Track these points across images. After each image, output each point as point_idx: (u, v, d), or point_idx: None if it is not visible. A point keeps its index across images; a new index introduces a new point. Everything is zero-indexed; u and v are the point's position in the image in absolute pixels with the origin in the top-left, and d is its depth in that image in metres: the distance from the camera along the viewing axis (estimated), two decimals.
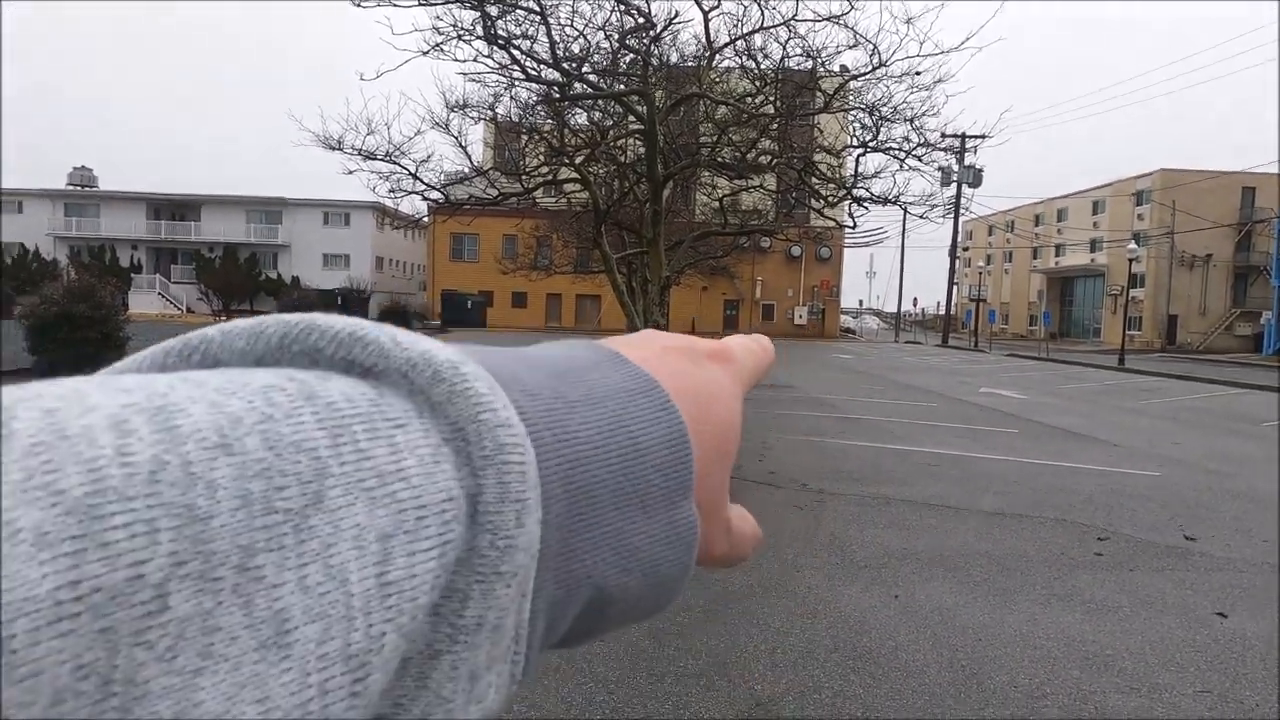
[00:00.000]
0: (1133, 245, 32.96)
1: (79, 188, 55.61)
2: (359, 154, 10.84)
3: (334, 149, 10.64)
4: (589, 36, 10.03)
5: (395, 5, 8.73)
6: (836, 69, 10.04)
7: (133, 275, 50.30)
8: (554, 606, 0.25)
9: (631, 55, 9.96)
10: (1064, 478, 8.70)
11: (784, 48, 9.47)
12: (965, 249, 68.38)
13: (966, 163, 41.17)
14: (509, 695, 0.24)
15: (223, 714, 0.16)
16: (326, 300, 30.49)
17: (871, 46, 8.21)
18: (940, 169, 13.40)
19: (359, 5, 8.78)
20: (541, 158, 13.15)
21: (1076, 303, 59.56)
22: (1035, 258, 64.03)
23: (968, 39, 7.90)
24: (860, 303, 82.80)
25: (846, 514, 6.83)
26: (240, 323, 0.22)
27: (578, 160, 11.77)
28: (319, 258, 54.54)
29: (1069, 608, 4.73)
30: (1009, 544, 6.05)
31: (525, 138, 13.01)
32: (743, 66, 9.98)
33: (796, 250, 51.75)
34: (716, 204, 15.77)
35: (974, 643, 4.15)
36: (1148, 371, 27.27)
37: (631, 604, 0.28)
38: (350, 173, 11.42)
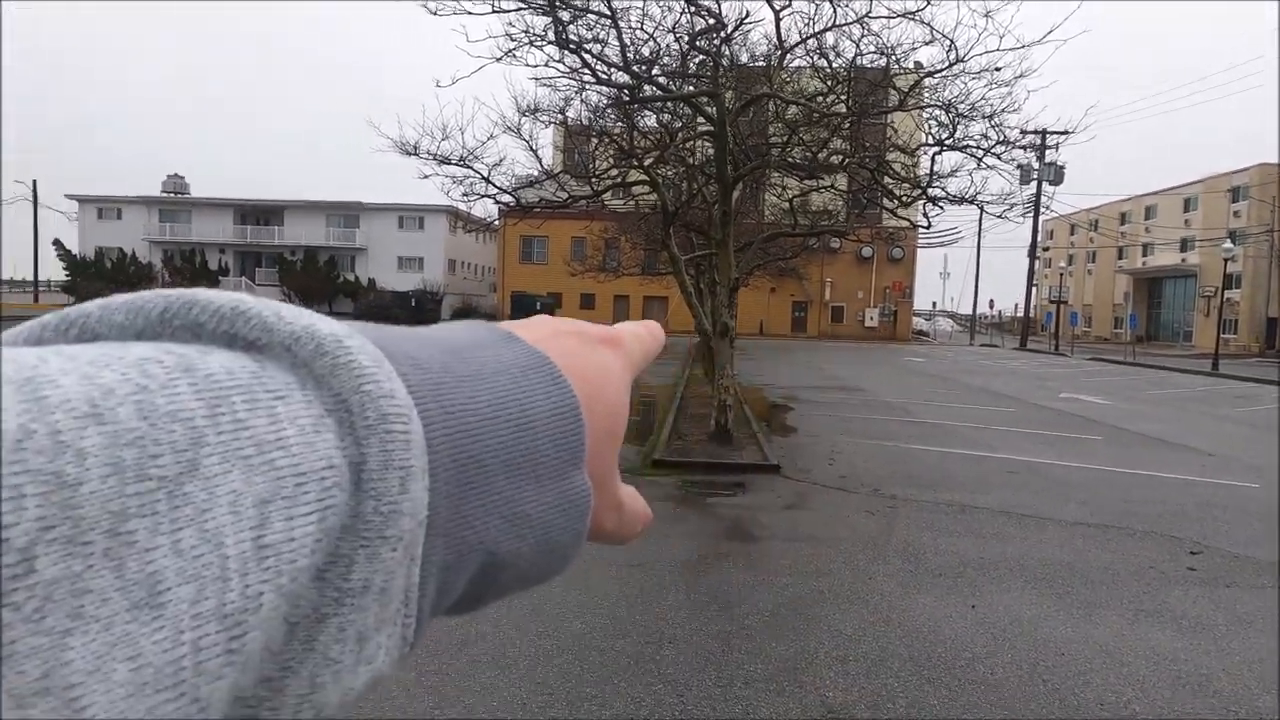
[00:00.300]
0: (1228, 244, 31.21)
1: (173, 195, 58.45)
2: (434, 159, 11.09)
3: (410, 154, 10.91)
4: (659, 39, 10.05)
5: (470, 13, 8.92)
6: (911, 66, 9.82)
7: (220, 277, 52.59)
8: (445, 571, 0.25)
9: (701, 56, 9.93)
10: (1153, 488, 8.32)
11: (857, 45, 9.30)
12: (1045, 249, 66.03)
13: (1048, 160, 39.80)
14: (400, 657, 0.24)
15: (93, 671, 0.16)
16: (401, 301, 31.30)
17: (949, 42, 7.99)
18: (1019, 166, 12.96)
19: (435, 13, 9.00)
20: (611, 160, 13.23)
21: (1165, 305, 56.87)
22: (1121, 258, 61.35)
23: (1050, 32, 7.63)
24: (934, 305, 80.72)
25: (919, 520, 6.67)
26: (119, 297, 0.23)
27: (646, 162, 11.80)
28: (394, 260, 56.05)
29: (1159, 624, 4.52)
30: (1093, 556, 5.82)
31: (595, 141, 13.10)
32: (814, 65, 9.84)
33: (867, 251, 50.80)
34: (786, 205, 15.60)
35: (1056, 657, 4.00)
36: (1244, 377, 25.84)
37: (524, 570, 0.29)
38: (425, 177, 11.69)
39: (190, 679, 0.18)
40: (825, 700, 3.49)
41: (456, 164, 11.34)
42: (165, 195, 58.33)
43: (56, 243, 55.24)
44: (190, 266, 50.82)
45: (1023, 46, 7.85)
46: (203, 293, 0.23)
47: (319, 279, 50.57)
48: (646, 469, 8.36)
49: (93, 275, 49.76)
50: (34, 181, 54.34)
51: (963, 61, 8.16)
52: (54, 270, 57.00)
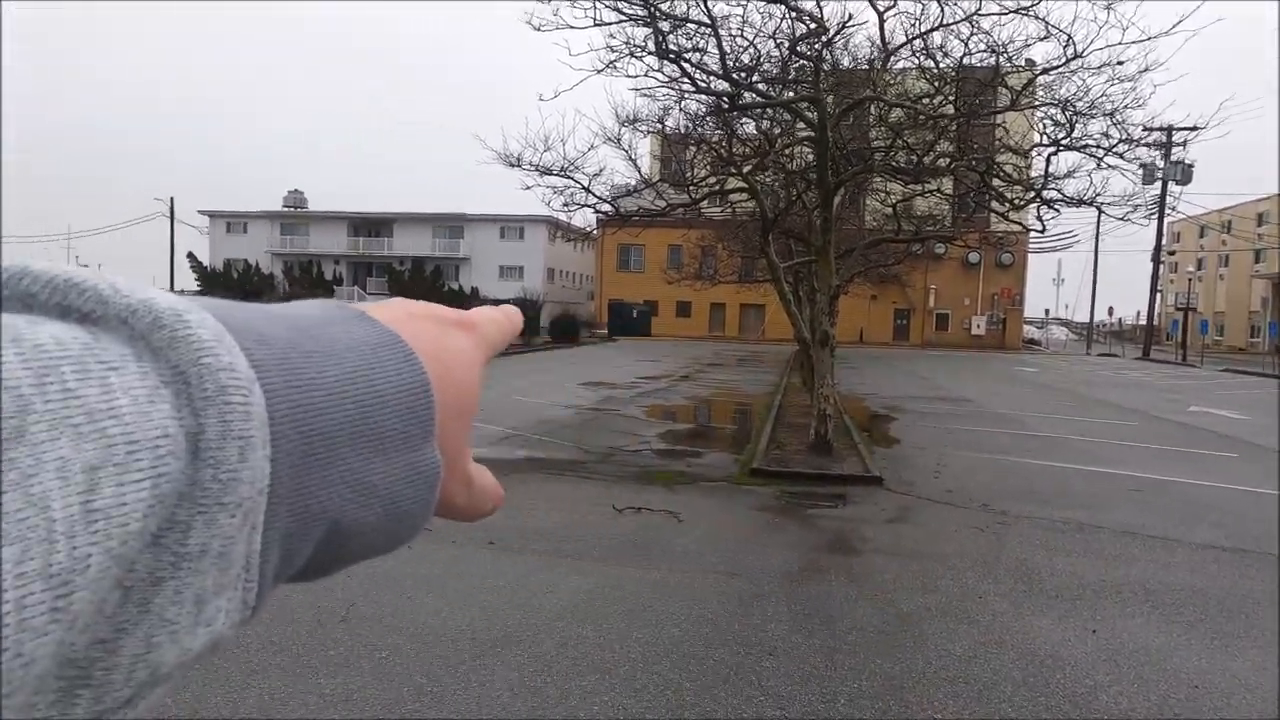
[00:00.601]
0: None
1: (292, 209, 62.00)
2: (536, 169, 11.36)
3: (514, 166, 11.21)
4: (759, 45, 10.00)
5: (572, 27, 9.10)
6: (1023, 63, 9.41)
7: (335, 287, 55.30)
8: (289, 539, 0.26)
9: (802, 61, 9.81)
10: None
11: (966, 44, 8.99)
12: (1171, 252, 61.86)
13: (1175, 158, 37.39)
14: (242, 621, 0.25)
15: None
16: None
17: (1066, 37, 7.62)
18: (1143, 166, 12.21)
19: (538, 29, 9.23)
20: (708, 168, 13.23)
21: None
22: (1258, 261, 56.91)
23: (1180, 21, 7.16)
24: (1046, 312, 76.73)
25: (1033, 538, 6.36)
26: None
27: (745, 169, 11.74)
28: (496, 269, 57.66)
29: None
30: (1229, 582, 5.41)
31: (693, 149, 13.13)
32: (920, 66, 9.56)
33: (974, 257, 48.93)
34: (888, 210, 15.20)
35: (1188, 690, 3.74)
36: None
37: (371, 538, 0.30)
38: (528, 188, 11.99)
39: (14, 635, 0.18)
40: None
41: (558, 174, 11.59)
42: (286, 210, 61.92)
43: (190, 255, 59.38)
44: (308, 276, 53.68)
45: (1148, 39, 7.41)
46: (35, 264, 0.23)
47: (426, 288, 52.43)
48: (744, 478, 8.29)
49: (221, 285, 53.19)
50: (170, 199, 58.65)
51: (1081, 57, 7.76)
52: (187, 281, 61.31)
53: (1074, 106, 8.67)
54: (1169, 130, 35.77)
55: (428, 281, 53.95)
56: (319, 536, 0.28)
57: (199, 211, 62.25)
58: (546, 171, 11.58)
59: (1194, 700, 3.64)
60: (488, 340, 0.38)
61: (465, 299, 47.90)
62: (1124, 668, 3.97)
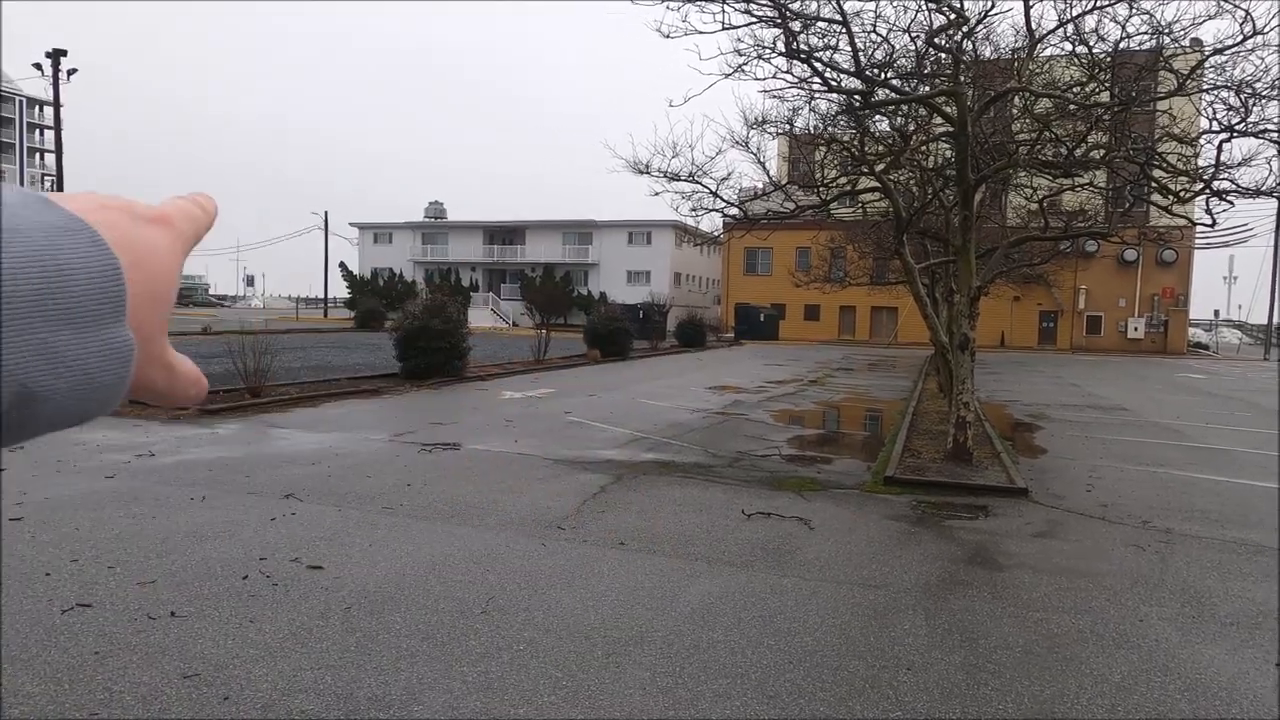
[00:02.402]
0: None
1: (433, 220, 65.28)
2: (664, 176, 11.47)
3: (643, 173, 11.36)
4: (893, 40, 9.69)
5: (700, 32, 9.14)
6: (1188, 44, 8.68)
7: (471, 293, 57.80)
8: None
9: (939, 54, 9.43)
10: None
11: (1123, 26, 8.37)
12: None
13: None
14: None
15: None
16: (630, 314, 32.64)
17: (1243, 13, 6.95)
18: None
19: (668, 36, 9.32)
20: (839, 168, 12.93)
21: None
22: None
23: None
24: (1215, 313, 70.05)
25: (1203, 560, 5.84)
26: None
27: (879, 168, 11.40)
28: (623, 274, 58.54)
29: None
30: None
31: (823, 149, 12.88)
32: (1073, 53, 8.98)
33: (1131, 254, 45.38)
34: (1034, 206, 14.35)
35: None
36: None
37: (65, 405, 0.32)
38: (656, 194, 12.13)
39: None
40: None
41: (685, 180, 11.66)
42: (427, 220, 65.24)
43: (341, 265, 63.62)
44: (447, 283, 56.32)
45: None
46: None
47: (556, 294, 53.92)
48: (877, 487, 8.04)
49: (368, 292, 56.65)
50: (325, 212, 63.07)
51: (1261, 34, 7.06)
52: (339, 289, 65.68)
53: (1251, 88, 7.90)
54: None
55: (559, 287, 55.43)
56: (8, 401, 0.31)
57: (350, 224, 66.67)
58: (674, 177, 11.68)
59: None
60: (183, 234, 0.41)
61: (594, 304, 48.87)
62: None
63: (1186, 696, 3.65)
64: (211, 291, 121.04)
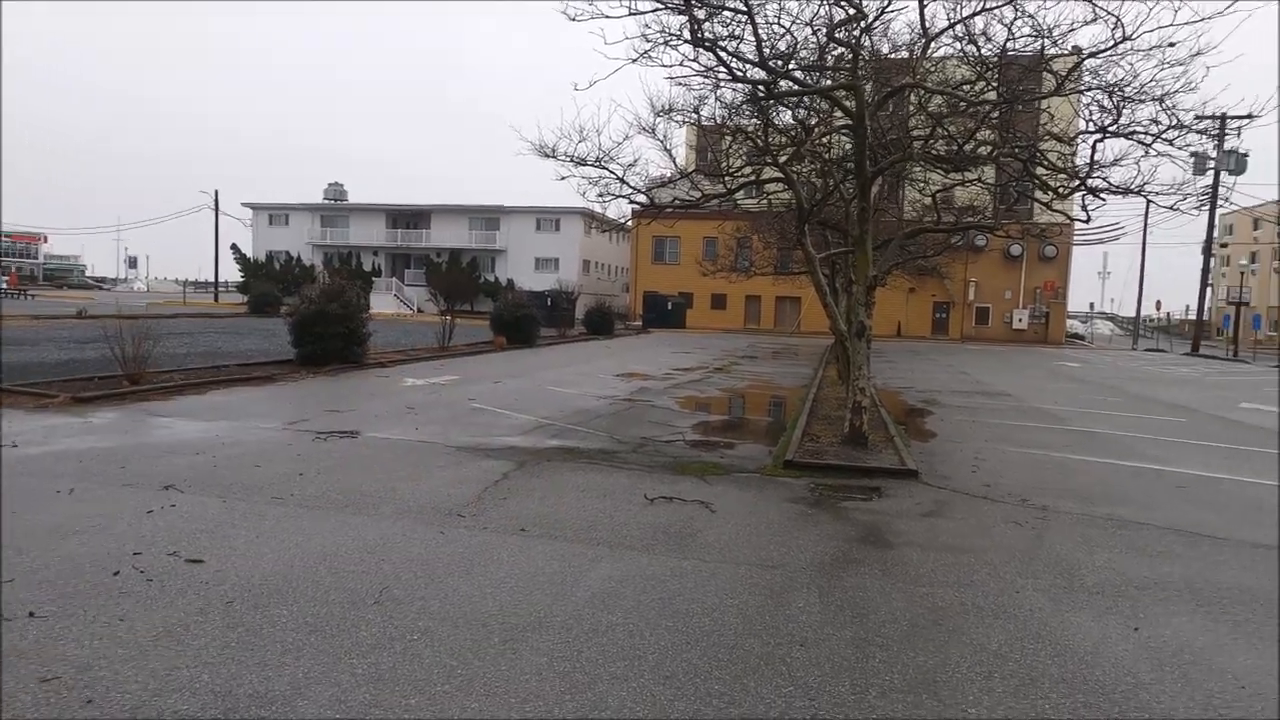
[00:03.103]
0: None
1: (333, 201, 62.90)
2: (571, 160, 11.35)
3: (549, 156, 11.21)
4: (795, 33, 9.85)
5: (607, 16, 9.06)
6: (1069, 49, 9.15)
7: (373, 278, 56.04)
8: None
9: (840, 49, 9.66)
10: None
11: (1009, 29, 8.76)
12: (1224, 245, 60.01)
13: (1228, 147, 36.25)
14: None
15: None
16: (537, 301, 32.35)
17: (1114, 20, 7.38)
18: (1194, 154, 11.80)
19: (574, 19, 9.20)
20: (744, 158, 13.11)
21: None
22: None
23: (1235, 0, 6.89)
24: (1091, 306, 74.94)
25: (1074, 534, 6.21)
26: None
27: (781, 159, 11.61)
28: (531, 261, 57.97)
29: None
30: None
31: (729, 138, 13.02)
32: (962, 52, 9.36)
33: (1016, 249, 47.93)
34: (927, 200, 14.95)
35: (1235, 690, 3.62)
36: None
37: None
38: (563, 179, 12.00)
39: None
40: (967, 717, 3.30)
41: (592, 165, 11.56)
42: (326, 202, 62.83)
43: (234, 247, 60.63)
44: (347, 268, 54.42)
45: (1201, 20, 7.14)
46: None
47: (462, 279, 52.84)
48: (777, 470, 8.22)
49: (263, 276, 54.17)
50: (215, 192, 59.89)
51: (1130, 40, 7.52)
52: (231, 272, 62.59)
53: (1122, 91, 8.41)
54: (1222, 118, 34.68)
55: (465, 273, 54.39)
56: None
57: (242, 204, 63.48)
58: (581, 162, 11.57)
59: (1241, 700, 3.52)
60: None
61: (501, 290, 48.19)
62: (1167, 666, 3.86)
63: (1056, 661, 3.87)
64: (89, 273, 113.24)
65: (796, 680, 3.57)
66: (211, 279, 64.52)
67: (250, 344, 21.66)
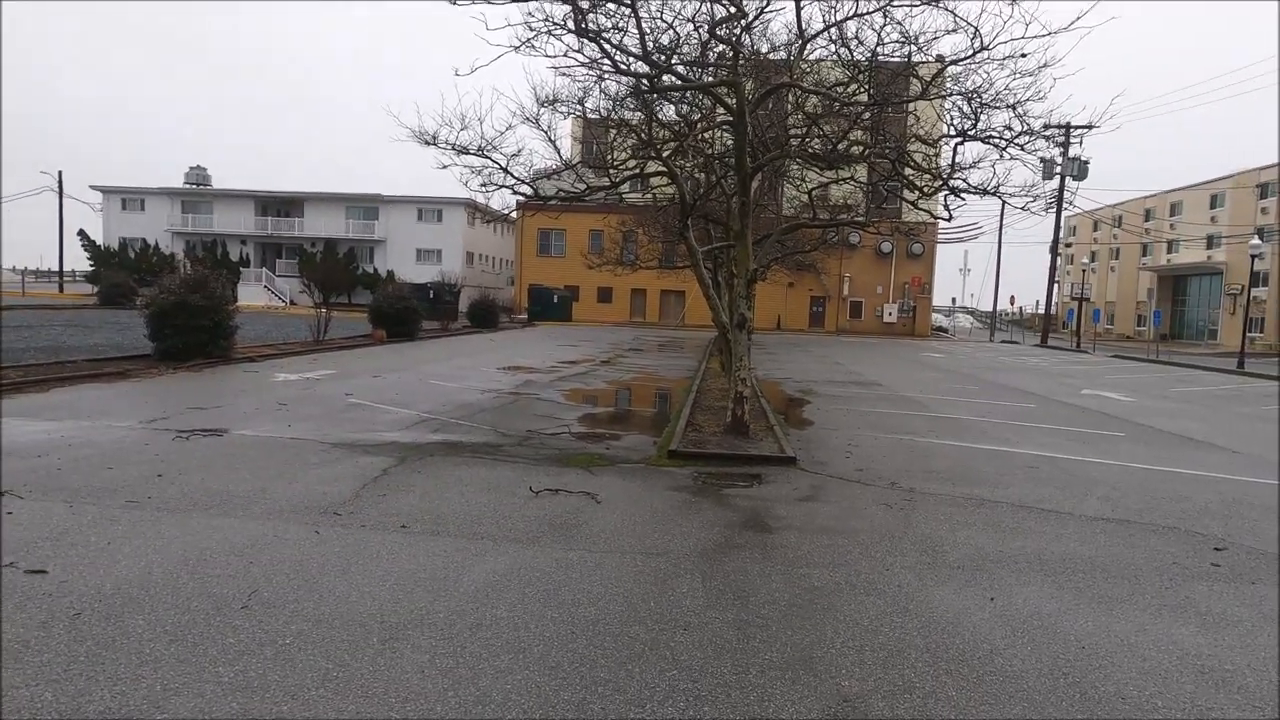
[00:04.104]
0: (1256, 241, 30.63)
1: (195, 186, 58.95)
2: (452, 148, 11.09)
3: (429, 144, 10.92)
4: (678, 28, 9.98)
5: (490, 2, 8.88)
6: (933, 56, 9.69)
7: (241, 269, 52.97)
8: None
9: (721, 46, 9.84)
10: (1176, 484, 8.20)
11: (879, 34, 9.18)
12: (1068, 245, 65.11)
13: (1071, 154, 39.29)
14: None
15: None
16: (419, 293, 31.43)
17: (973, 30, 7.87)
18: (1043, 160, 12.75)
19: (455, 3, 8.98)
20: (629, 151, 13.18)
21: (1190, 303, 56.00)
22: (1145, 254, 60.48)
23: (1078, 19, 7.49)
24: (953, 300, 79.79)
25: (937, 514, 6.60)
26: None
27: (665, 153, 11.74)
28: (413, 253, 56.26)
29: (1182, 620, 4.44)
30: (1115, 551, 5.73)
31: (613, 131, 13.05)
32: (836, 55, 9.74)
33: (887, 246, 50.44)
34: (805, 197, 15.48)
35: (1077, 650, 3.94)
36: (1271, 376, 25.41)
37: None
38: (444, 167, 11.71)
39: None
40: (841, 689, 3.45)
41: (475, 154, 11.34)
42: (188, 187, 58.84)
43: (81, 233, 55.87)
44: (211, 257, 51.20)
45: (1048, 34, 7.71)
46: None
47: (338, 271, 50.70)
48: (662, 460, 8.33)
49: (116, 265, 50.24)
50: (59, 172, 55.03)
51: (986, 49, 8.03)
52: (79, 261, 57.71)
53: (979, 98, 8.98)
54: (1066, 128, 37.58)
55: (341, 264, 52.20)
56: None
57: (91, 187, 58.55)
58: (464, 150, 11.32)
59: (1081, 660, 3.84)
60: None
61: (380, 282, 46.58)
62: (1019, 632, 4.16)
63: (921, 632, 4.10)
64: None
65: (680, 663, 3.63)
66: (56, 268, 59.23)
67: (101, 338, 20.07)
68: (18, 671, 3.27)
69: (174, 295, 15.26)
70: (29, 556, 4.63)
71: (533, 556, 5.07)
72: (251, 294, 48.50)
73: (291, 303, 50.52)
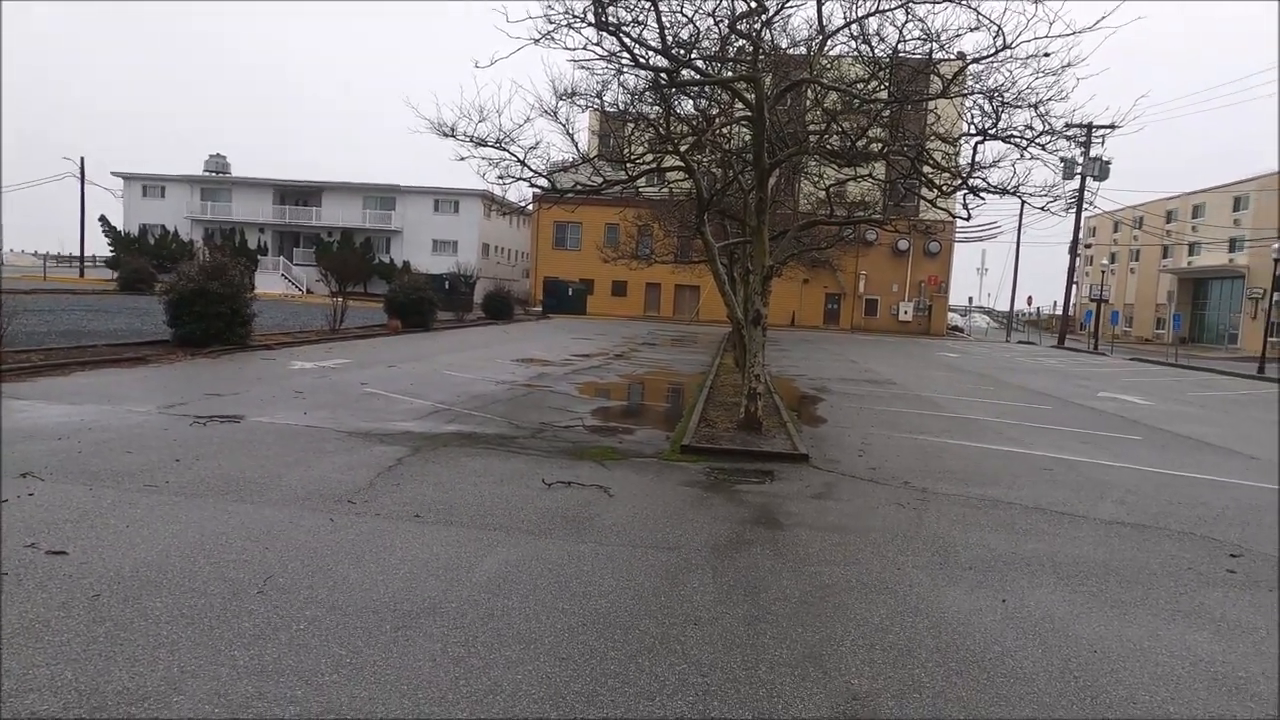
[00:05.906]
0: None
1: (214, 174, 59.35)
2: (470, 140, 11.10)
3: (448, 135, 10.93)
4: (698, 23, 9.95)
5: None
6: (955, 54, 9.62)
7: (259, 257, 53.32)
8: None
9: (741, 41, 9.81)
10: (1193, 489, 8.13)
11: (900, 31, 9.12)
12: (1087, 246, 64.45)
13: (1093, 154, 38.89)
14: None
15: None
16: (435, 284, 31.55)
17: (995, 28, 7.80)
18: (1063, 160, 12.64)
19: None
20: (646, 145, 13.17)
21: (1210, 306, 55.33)
22: (1165, 257, 59.80)
23: (1103, 18, 7.40)
24: (970, 300, 79.23)
25: (951, 514, 6.58)
26: None
27: (683, 148, 11.72)
28: (429, 243, 56.43)
29: (1196, 625, 4.41)
30: (1129, 555, 5.70)
31: (631, 125, 13.04)
32: (857, 51, 9.68)
33: (903, 244, 50.15)
34: (823, 194, 15.42)
35: (1088, 654, 3.93)
36: None
37: None
38: (462, 159, 11.72)
39: None
40: (850, 687, 3.45)
41: (492, 146, 11.35)
42: (207, 175, 59.24)
43: (102, 219, 56.42)
44: (230, 244, 51.58)
45: (1072, 33, 7.63)
46: None
47: (355, 261, 50.99)
48: (674, 455, 8.34)
49: (136, 251, 50.69)
50: (81, 159, 55.51)
51: (1009, 48, 7.96)
52: (99, 246, 58.30)
53: (1001, 97, 8.91)
54: (1088, 127, 37.18)
55: (358, 254, 52.47)
56: None
57: (112, 173, 59.07)
58: (481, 143, 11.33)
59: (1093, 663, 3.83)
60: None
61: (396, 272, 46.81)
62: (1030, 633, 4.15)
63: (931, 632, 4.10)
64: None
65: (690, 658, 3.65)
66: (77, 253, 59.82)
67: (121, 323, 20.28)
68: (39, 650, 3.33)
69: (193, 282, 15.40)
70: (50, 537, 4.70)
71: (544, 548, 5.10)
72: (269, 282, 48.80)
73: (308, 291, 50.82)
